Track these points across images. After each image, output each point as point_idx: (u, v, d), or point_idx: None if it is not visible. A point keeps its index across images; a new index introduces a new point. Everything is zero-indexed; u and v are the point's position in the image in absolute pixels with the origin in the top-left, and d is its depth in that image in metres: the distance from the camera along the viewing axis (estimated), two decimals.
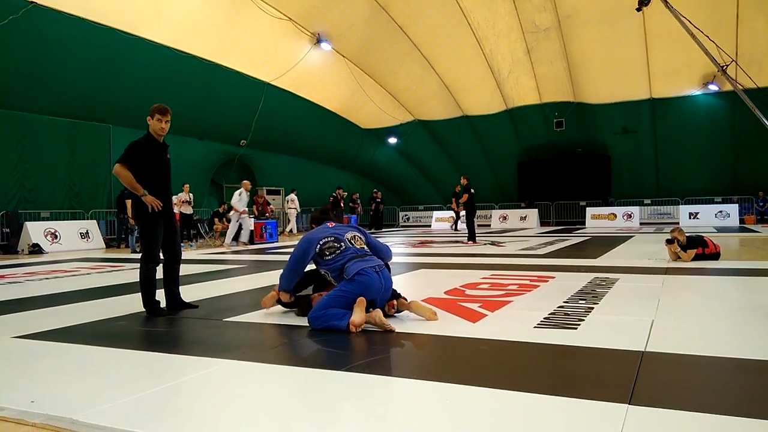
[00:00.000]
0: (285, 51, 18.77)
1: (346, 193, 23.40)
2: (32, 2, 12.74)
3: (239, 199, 13.46)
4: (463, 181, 13.39)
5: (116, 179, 5.06)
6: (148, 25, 15.05)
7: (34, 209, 15.41)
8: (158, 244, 4.85)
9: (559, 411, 2.30)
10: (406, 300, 4.35)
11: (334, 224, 4.60)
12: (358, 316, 3.86)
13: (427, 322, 4.10)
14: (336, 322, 3.90)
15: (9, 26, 12.57)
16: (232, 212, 13.67)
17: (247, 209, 13.87)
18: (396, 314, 4.33)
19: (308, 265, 4.50)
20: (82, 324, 4.47)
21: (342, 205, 21.01)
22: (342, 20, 18.40)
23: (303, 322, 4.22)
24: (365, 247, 4.41)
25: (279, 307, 4.83)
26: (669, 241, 7.73)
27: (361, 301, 3.96)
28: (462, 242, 13.46)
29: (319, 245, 4.30)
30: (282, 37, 18.30)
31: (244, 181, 14.07)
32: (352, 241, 4.37)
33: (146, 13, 14.75)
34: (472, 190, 13.41)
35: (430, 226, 24.84)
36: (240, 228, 14.06)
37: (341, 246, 4.28)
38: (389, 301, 4.29)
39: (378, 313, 3.90)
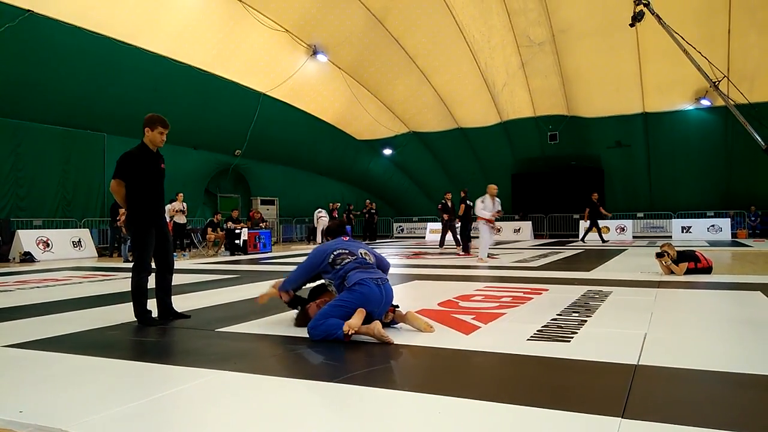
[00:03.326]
0: (281, 62, 18.85)
1: (339, 204, 23.39)
2: (29, 10, 12.76)
3: (483, 206, 11.30)
4: (462, 194, 13.64)
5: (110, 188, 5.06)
6: (144, 35, 15.10)
7: (27, 217, 15.32)
8: (150, 254, 4.83)
9: (551, 424, 2.29)
10: (401, 311, 4.34)
11: (348, 239, 4.65)
12: (354, 319, 3.88)
13: (421, 334, 4.09)
14: (334, 331, 3.89)
15: (5, 34, 12.57)
16: (479, 221, 11.46)
17: (494, 216, 11.47)
18: (393, 326, 4.32)
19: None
20: (73, 333, 4.44)
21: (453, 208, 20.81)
22: (338, 32, 18.52)
23: (295, 332, 4.21)
24: (371, 261, 4.43)
25: (273, 317, 4.83)
26: (659, 255, 7.77)
27: (361, 311, 3.96)
28: (456, 253, 13.48)
29: (332, 256, 4.33)
30: (278, 49, 18.39)
31: (490, 185, 11.66)
32: (364, 255, 4.42)
33: (143, 22, 14.80)
34: (469, 202, 13.56)
35: (424, 237, 24.84)
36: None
37: (352, 258, 4.32)
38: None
39: (377, 325, 3.88)
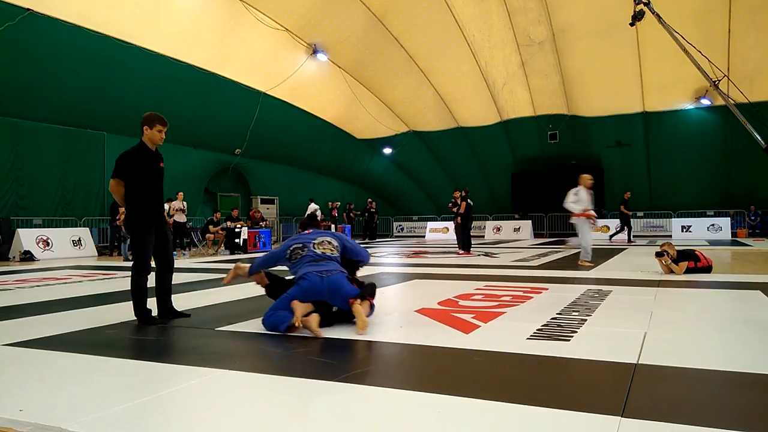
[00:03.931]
0: (281, 61, 18.85)
1: (338, 203, 23.44)
2: (28, 9, 12.75)
3: (576, 198, 9.46)
4: (463, 193, 13.66)
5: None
6: (144, 34, 15.09)
7: (27, 216, 15.32)
8: (149, 253, 4.83)
9: (551, 423, 2.29)
10: (358, 302, 4.31)
11: (311, 231, 4.91)
12: (297, 312, 4.12)
13: (420, 333, 4.10)
14: (279, 323, 4.16)
15: (5, 33, 12.57)
16: (572, 218, 9.69)
17: (591, 209, 9.50)
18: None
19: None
20: (73, 332, 4.43)
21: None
22: (338, 31, 18.52)
23: (295, 332, 4.20)
24: (329, 252, 4.61)
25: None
26: (658, 254, 7.77)
27: (295, 304, 4.19)
28: (456, 253, 13.48)
29: (289, 251, 4.64)
30: (278, 48, 18.39)
31: (584, 175, 9.73)
32: (317, 246, 4.61)
33: (143, 21, 14.79)
34: (470, 201, 13.61)
35: (424, 236, 24.85)
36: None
37: (304, 252, 4.58)
38: (355, 298, 4.31)
39: (312, 319, 4.06)
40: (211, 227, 15.73)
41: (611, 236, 18.27)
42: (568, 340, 3.77)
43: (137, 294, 4.77)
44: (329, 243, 4.69)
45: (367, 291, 4.49)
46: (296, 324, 4.08)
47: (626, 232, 18.10)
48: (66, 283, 8.49)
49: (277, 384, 2.98)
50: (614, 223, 21.50)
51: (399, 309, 5.34)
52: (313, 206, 20.55)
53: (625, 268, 9.10)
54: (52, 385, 3.01)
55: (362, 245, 4.96)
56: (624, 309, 5.07)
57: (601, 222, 21.93)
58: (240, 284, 7.67)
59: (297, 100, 21.02)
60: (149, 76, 15.94)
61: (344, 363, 3.44)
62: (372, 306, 4.50)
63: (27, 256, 13.75)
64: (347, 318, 4.40)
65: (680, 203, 21.86)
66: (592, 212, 9.48)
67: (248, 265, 4.94)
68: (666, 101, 19.57)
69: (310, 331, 4.03)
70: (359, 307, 4.24)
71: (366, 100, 22.32)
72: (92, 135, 16.55)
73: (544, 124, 22.01)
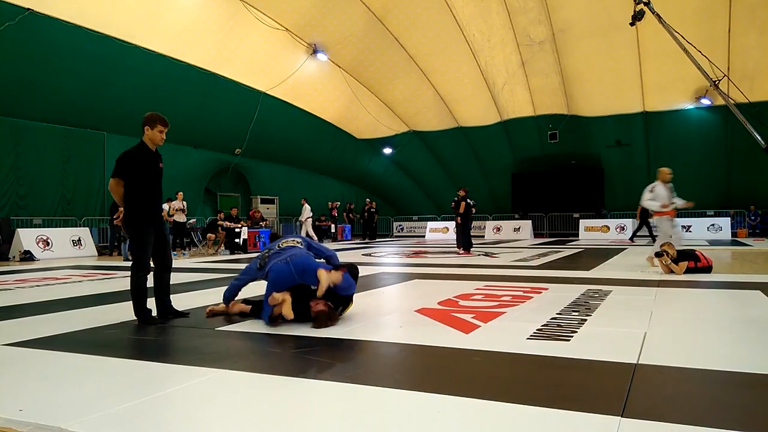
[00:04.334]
0: (281, 61, 18.86)
1: (338, 203, 23.44)
2: (29, 9, 12.75)
3: (652, 195, 8.63)
4: (462, 193, 13.62)
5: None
6: (144, 34, 15.09)
7: (27, 216, 15.32)
8: (149, 252, 4.84)
9: (551, 423, 2.29)
10: (326, 272, 4.41)
11: (276, 240, 5.19)
12: (278, 308, 4.36)
13: (420, 333, 4.10)
14: (265, 316, 4.45)
15: (5, 32, 12.57)
16: (654, 218, 9.10)
17: (670, 204, 8.64)
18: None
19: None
20: (73, 332, 4.43)
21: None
22: (338, 31, 18.52)
23: (295, 331, 4.20)
24: (293, 244, 4.87)
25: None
26: (658, 254, 7.77)
27: (270, 299, 4.39)
28: (456, 253, 13.48)
29: (259, 262, 4.84)
30: (278, 48, 18.39)
31: (662, 168, 8.88)
32: (282, 245, 4.87)
33: (143, 21, 14.79)
34: (470, 201, 13.61)
35: (424, 236, 24.85)
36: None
37: (270, 253, 4.81)
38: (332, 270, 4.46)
39: (284, 303, 4.30)
40: (219, 221, 15.73)
41: (653, 238, 18.23)
42: (568, 340, 3.77)
43: (137, 294, 4.77)
44: (293, 240, 4.99)
45: (344, 265, 4.67)
46: (277, 312, 4.31)
47: (631, 231, 18.08)
48: (66, 283, 8.49)
49: (277, 384, 2.98)
50: (614, 223, 21.55)
51: (399, 309, 5.34)
52: (306, 208, 20.32)
53: (625, 268, 9.10)
54: (52, 384, 3.01)
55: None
56: (624, 309, 5.07)
57: (600, 222, 21.93)
58: None
59: (297, 99, 21.02)
60: (149, 76, 15.94)
61: (344, 363, 3.44)
62: (346, 278, 4.48)
63: (27, 256, 13.75)
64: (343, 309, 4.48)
65: None
66: (679, 203, 8.70)
67: (219, 303, 5.11)
68: (666, 101, 19.57)
69: (284, 316, 4.26)
70: (323, 272, 4.34)
71: (366, 100, 22.33)
72: (92, 135, 16.55)
73: (544, 123, 22.01)
